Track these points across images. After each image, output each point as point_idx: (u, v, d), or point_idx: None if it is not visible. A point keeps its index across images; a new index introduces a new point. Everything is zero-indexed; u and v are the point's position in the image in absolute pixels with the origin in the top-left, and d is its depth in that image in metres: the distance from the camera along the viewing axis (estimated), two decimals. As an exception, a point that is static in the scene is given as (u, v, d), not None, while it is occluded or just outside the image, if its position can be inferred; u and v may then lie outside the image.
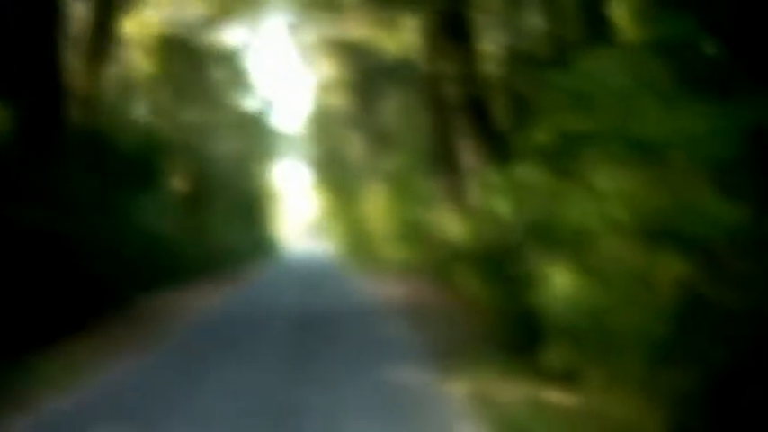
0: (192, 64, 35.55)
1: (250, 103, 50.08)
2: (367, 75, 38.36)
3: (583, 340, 6.33)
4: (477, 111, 19.21)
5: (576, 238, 7.04)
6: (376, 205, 35.88)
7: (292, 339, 14.03)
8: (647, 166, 5.78)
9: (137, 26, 29.65)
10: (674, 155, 5.57)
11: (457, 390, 9.24)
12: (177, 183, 31.76)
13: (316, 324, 16.01)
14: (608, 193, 6.18)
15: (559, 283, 7.07)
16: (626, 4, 8.44)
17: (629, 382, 5.54)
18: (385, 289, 23.88)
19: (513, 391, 8.89)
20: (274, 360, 11.80)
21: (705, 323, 5.08)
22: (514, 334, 10.53)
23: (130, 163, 21.62)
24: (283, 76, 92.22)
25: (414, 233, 28.14)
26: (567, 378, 8.20)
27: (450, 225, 21.94)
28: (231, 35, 39.51)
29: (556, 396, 8.33)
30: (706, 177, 5.41)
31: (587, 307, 6.16)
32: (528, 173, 10.85)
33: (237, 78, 45.14)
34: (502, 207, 15.36)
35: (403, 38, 31.31)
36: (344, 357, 11.75)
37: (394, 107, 38.47)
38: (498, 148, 18.29)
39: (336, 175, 49.77)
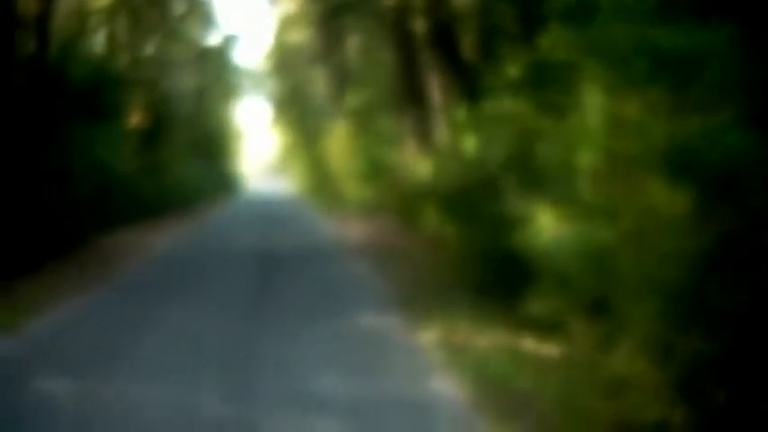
0: (152, -5, 34.42)
1: (211, 38, 49.00)
2: (331, 9, 37.37)
3: (574, 286, 5.71)
4: (446, 44, 18.45)
5: (564, 173, 6.40)
6: (339, 143, 35.13)
7: (252, 280, 13.39)
8: (653, 87, 5.10)
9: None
10: (690, 74, 4.89)
11: (427, 337, 8.65)
12: (135, 118, 30.72)
13: (277, 265, 15.38)
14: (604, 120, 5.50)
15: (545, 222, 6.44)
16: None
17: (630, 335, 4.94)
18: (348, 229, 23.28)
19: (488, 340, 8.32)
20: (234, 303, 11.15)
21: (726, 268, 4.46)
22: (488, 277, 9.94)
23: (83, 96, 20.64)
24: (246, 10, 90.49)
25: (378, 172, 27.50)
26: (547, 327, 7.65)
27: (417, 163, 21.31)
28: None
29: (537, 346, 7.77)
30: (726, 101, 4.76)
31: (580, 249, 5.52)
32: (504, 106, 10.20)
33: (198, 11, 43.98)
34: (473, 143, 14.74)
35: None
36: (307, 302, 11.11)
37: (358, 43, 37.60)
38: (468, 84, 17.60)
39: (298, 113, 48.90)
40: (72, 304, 11.15)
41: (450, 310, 9.82)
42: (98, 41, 30.81)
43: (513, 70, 13.96)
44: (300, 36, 44.46)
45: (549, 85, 8.61)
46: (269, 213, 35.16)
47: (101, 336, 9.13)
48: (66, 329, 9.58)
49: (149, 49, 35.91)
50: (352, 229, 23.14)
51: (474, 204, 11.09)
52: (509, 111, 9.60)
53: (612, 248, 5.12)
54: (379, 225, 23.33)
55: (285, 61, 49.27)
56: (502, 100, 10.88)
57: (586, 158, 5.84)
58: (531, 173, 8.04)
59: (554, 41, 8.28)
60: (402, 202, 22.45)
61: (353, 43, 38.19)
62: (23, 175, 14.25)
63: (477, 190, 11.46)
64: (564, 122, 7.56)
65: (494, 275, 9.78)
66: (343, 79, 37.98)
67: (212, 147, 51.12)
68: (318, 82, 44.13)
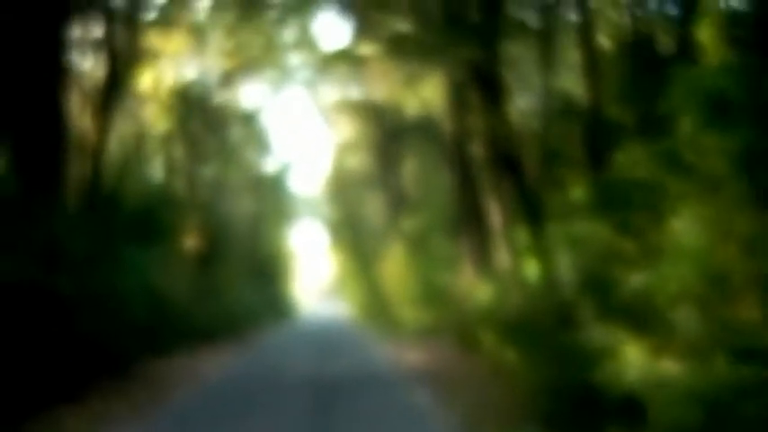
0: (209, 122, 34.82)
1: (268, 164, 49.43)
2: (387, 134, 37.53)
3: (670, 427, 5.02)
4: (510, 168, 18.06)
5: (653, 299, 5.77)
6: (395, 267, 34.70)
7: (307, 411, 12.67)
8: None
9: (153, 82, 28.92)
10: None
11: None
12: (190, 241, 30.62)
13: (332, 393, 14.69)
14: (713, 239, 4.89)
15: (635, 356, 5.79)
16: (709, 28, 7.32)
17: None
18: (406, 355, 22.53)
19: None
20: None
21: None
22: (561, 411, 9.20)
23: (139, 219, 20.53)
24: (302, 137, 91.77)
25: (435, 296, 26.94)
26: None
27: (475, 287, 20.73)
28: (250, 94, 38.90)
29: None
30: None
31: (687, 389, 4.85)
32: (575, 228, 9.63)
33: (255, 138, 44.51)
34: (536, 267, 14.16)
35: (425, 96, 30.47)
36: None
37: (414, 167, 37.58)
38: (530, 207, 17.13)
39: (354, 237, 48.75)
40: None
41: (521, 447, 9.08)
42: (156, 164, 31.09)
43: (578, 193, 13.43)
44: (357, 161, 44.67)
45: (625, 205, 8.07)
46: (324, 338, 34.49)
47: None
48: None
49: (206, 173, 36.13)
50: (408, 354, 22.41)
51: (543, 332, 10.44)
52: (582, 233, 9.01)
53: (735, 391, 4.43)
54: (437, 350, 22.60)
55: (341, 186, 49.44)
56: (571, 222, 10.34)
57: (686, 283, 5.21)
58: (611, 299, 7.42)
59: (633, 158, 7.77)
60: (460, 327, 21.79)
61: (409, 167, 38.17)
62: (72, 296, 13.89)
63: (545, 316, 10.84)
64: (647, 244, 6.99)
65: (567, 409, 9.06)
66: (399, 203, 37.83)
67: (267, 270, 50.95)
68: (374, 205, 44.07)
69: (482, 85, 19.13)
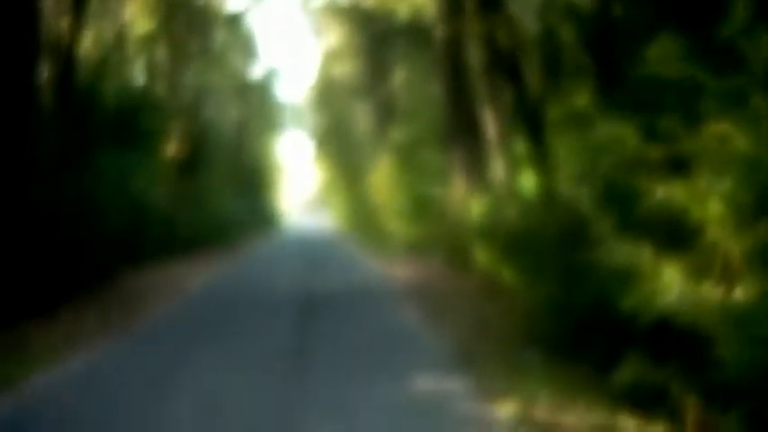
0: (193, 24, 33.52)
1: (253, 70, 48.22)
2: (376, 41, 36.37)
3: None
4: (508, 74, 17.00)
5: (695, 219, 4.94)
6: (382, 179, 33.82)
7: (290, 331, 11.86)
8: None
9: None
10: None
11: (504, 411, 7.11)
12: (172, 148, 29.59)
13: (319, 310, 13.93)
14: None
15: (673, 278, 4.99)
16: None
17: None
18: (393, 269, 21.82)
19: (579, 417, 6.76)
20: (272, 361, 9.62)
21: None
22: (568, 335, 8.44)
23: (117, 123, 19.51)
24: (289, 44, 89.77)
25: (424, 209, 26.14)
26: (649, 400, 6.27)
27: (468, 201, 19.90)
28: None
29: (641, 428, 6.27)
30: None
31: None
32: (601, 134, 8.64)
33: (241, 43, 43.25)
34: (534, 179, 13.36)
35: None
36: (355, 362, 9.47)
37: (404, 75, 36.49)
38: (529, 115, 16.16)
39: (340, 148, 47.77)
40: (85, 354, 9.78)
41: (524, 373, 8.30)
42: (138, 67, 29.93)
43: (583, 99, 12.60)
44: (344, 69, 43.53)
45: (653, 107, 7.17)
46: (309, 250, 33.77)
47: (114, 400, 7.69)
48: (72, 389, 8.16)
49: (190, 77, 34.89)
50: (397, 270, 21.68)
51: (549, 249, 9.63)
52: (602, 139, 8.08)
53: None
54: (426, 265, 21.90)
55: (328, 95, 48.36)
56: (586, 128, 9.44)
57: (742, 196, 4.37)
58: (636, 213, 6.57)
59: (665, 54, 6.85)
60: (451, 242, 21.04)
61: (399, 75, 37.09)
62: (43, 203, 12.98)
63: (550, 231, 10.02)
64: (681, 151, 6.15)
65: (576, 332, 8.30)
66: (387, 113, 36.80)
67: (252, 180, 50.00)
68: (361, 116, 43.05)
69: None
